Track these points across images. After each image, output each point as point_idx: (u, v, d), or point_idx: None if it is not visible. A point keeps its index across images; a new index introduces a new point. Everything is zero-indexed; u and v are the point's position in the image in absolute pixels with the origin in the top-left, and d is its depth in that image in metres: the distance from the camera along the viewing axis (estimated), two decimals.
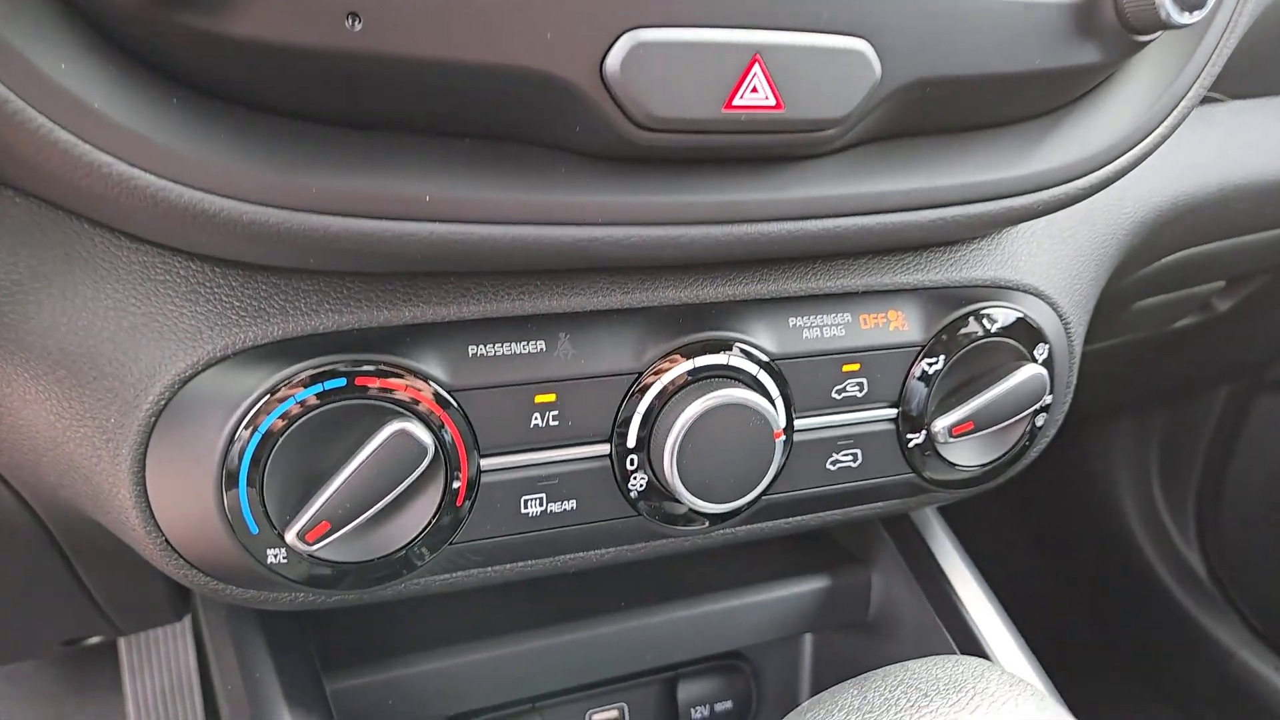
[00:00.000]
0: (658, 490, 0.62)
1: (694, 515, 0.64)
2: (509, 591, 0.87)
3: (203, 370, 0.52)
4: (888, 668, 0.53)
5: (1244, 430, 1.88)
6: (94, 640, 1.16)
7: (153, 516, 0.53)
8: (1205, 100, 0.95)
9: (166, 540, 0.54)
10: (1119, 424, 2.07)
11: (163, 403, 0.52)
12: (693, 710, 0.94)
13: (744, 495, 0.61)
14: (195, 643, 1.61)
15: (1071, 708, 0.68)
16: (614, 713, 0.93)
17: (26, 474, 0.60)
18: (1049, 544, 2.29)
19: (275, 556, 0.54)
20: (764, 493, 0.64)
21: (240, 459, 0.52)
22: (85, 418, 0.53)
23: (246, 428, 0.52)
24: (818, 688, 1.00)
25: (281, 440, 0.52)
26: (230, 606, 0.69)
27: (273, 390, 0.52)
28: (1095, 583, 2.21)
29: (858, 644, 0.95)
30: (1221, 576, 1.98)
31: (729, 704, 0.95)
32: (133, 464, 0.52)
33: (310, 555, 0.54)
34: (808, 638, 1.00)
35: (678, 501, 0.62)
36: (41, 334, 0.52)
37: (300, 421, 0.52)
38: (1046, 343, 0.71)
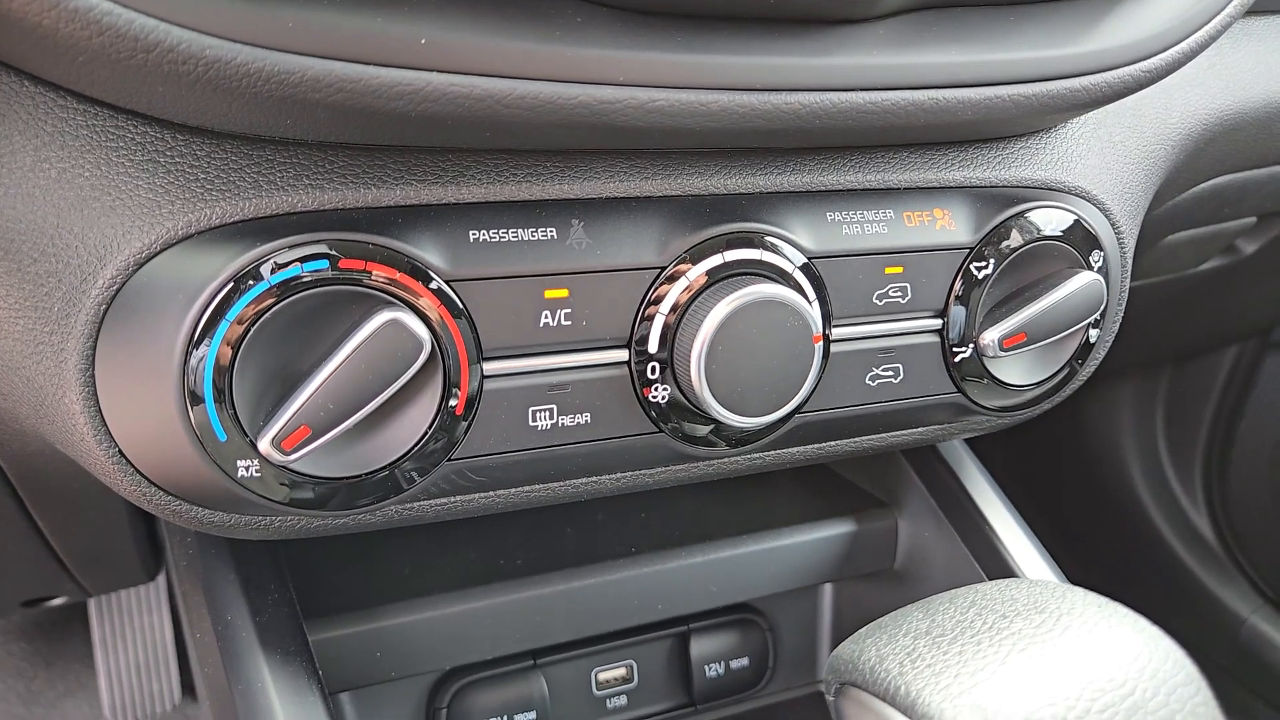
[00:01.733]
0: (682, 403, 0.55)
1: (721, 432, 0.57)
2: (508, 536, 0.80)
3: (161, 251, 0.45)
4: (953, 591, 0.47)
5: (1252, 392, 1.84)
6: (58, 601, 1.08)
7: (104, 424, 0.46)
8: (1252, 13, 0.89)
9: (120, 452, 0.47)
10: (1124, 385, 2.02)
11: (114, 288, 0.45)
12: (706, 667, 0.87)
13: (779, 408, 0.55)
14: (170, 609, 1.54)
15: None
16: (621, 670, 0.86)
17: None
18: (1053, 510, 2.24)
19: (247, 469, 0.47)
20: (799, 409, 0.57)
21: (205, 356, 0.45)
22: (25, 308, 0.46)
23: (212, 318, 0.44)
24: (838, 642, 0.93)
25: (253, 333, 0.45)
26: (202, 547, 0.62)
27: (242, 273, 0.44)
28: (1101, 547, 2.16)
29: (882, 594, 0.89)
30: (1230, 541, 1.94)
31: (745, 661, 0.89)
32: (80, 361, 0.45)
33: (287, 468, 0.47)
34: (827, 590, 0.94)
35: (704, 416, 0.55)
36: None
37: (275, 310, 0.45)
38: (1101, 249, 0.65)
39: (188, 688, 1.63)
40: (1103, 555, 2.19)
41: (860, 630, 0.44)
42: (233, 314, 0.44)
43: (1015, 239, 0.62)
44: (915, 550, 0.85)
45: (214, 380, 0.45)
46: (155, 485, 0.48)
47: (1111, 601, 0.45)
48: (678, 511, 0.85)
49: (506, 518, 0.85)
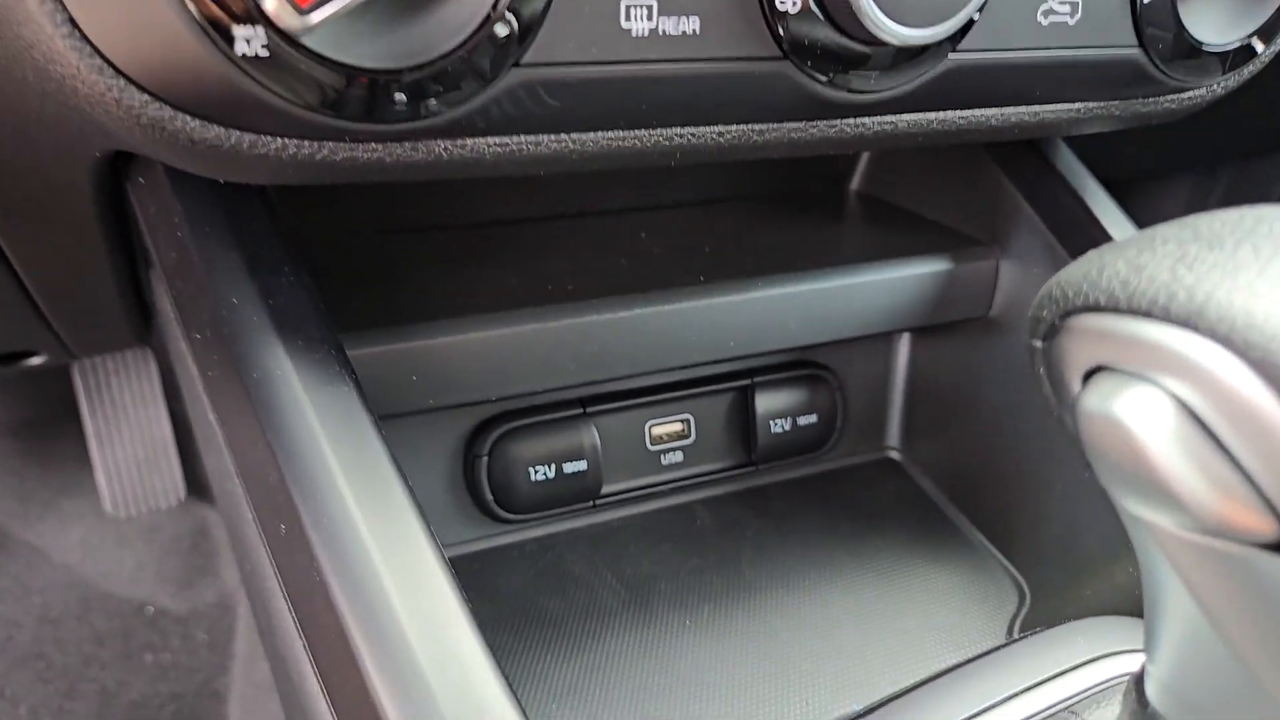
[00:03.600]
0: (817, 15, 0.42)
1: (860, 65, 0.44)
2: (557, 260, 0.69)
3: None
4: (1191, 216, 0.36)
5: None
6: (39, 360, 0.97)
7: None
8: None
9: (72, 21, 0.34)
10: (1175, 185, 1.88)
11: None
12: (771, 423, 0.78)
13: (944, 18, 0.42)
14: (166, 401, 1.45)
15: None
16: (678, 425, 0.77)
17: None
18: None
19: (249, 42, 0.34)
20: (961, 35, 0.44)
21: None
22: None
23: None
24: (911, 404, 0.84)
25: None
26: (194, 226, 0.50)
27: None
28: None
29: (967, 349, 0.78)
30: None
31: (813, 418, 0.79)
32: None
33: (302, 44, 0.34)
34: (903, 346, 0.84)
35: (843, 34, 0.42)
36: None
37: None
38: None
39: (191, 485, 1.57)
40: None
41: (1080, 259, 0.33)
42: None
43: None
44: (1018, 295, 0.74)
45: None
46: (123, 75, 0.35)
47: None
48: (741, 240, 0.74)
49: (547, 234, 0.74)
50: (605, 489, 0.74)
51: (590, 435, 0.71)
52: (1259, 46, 0.55)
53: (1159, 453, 0.28)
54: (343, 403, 0.44)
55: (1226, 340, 0.27)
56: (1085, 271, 0.31)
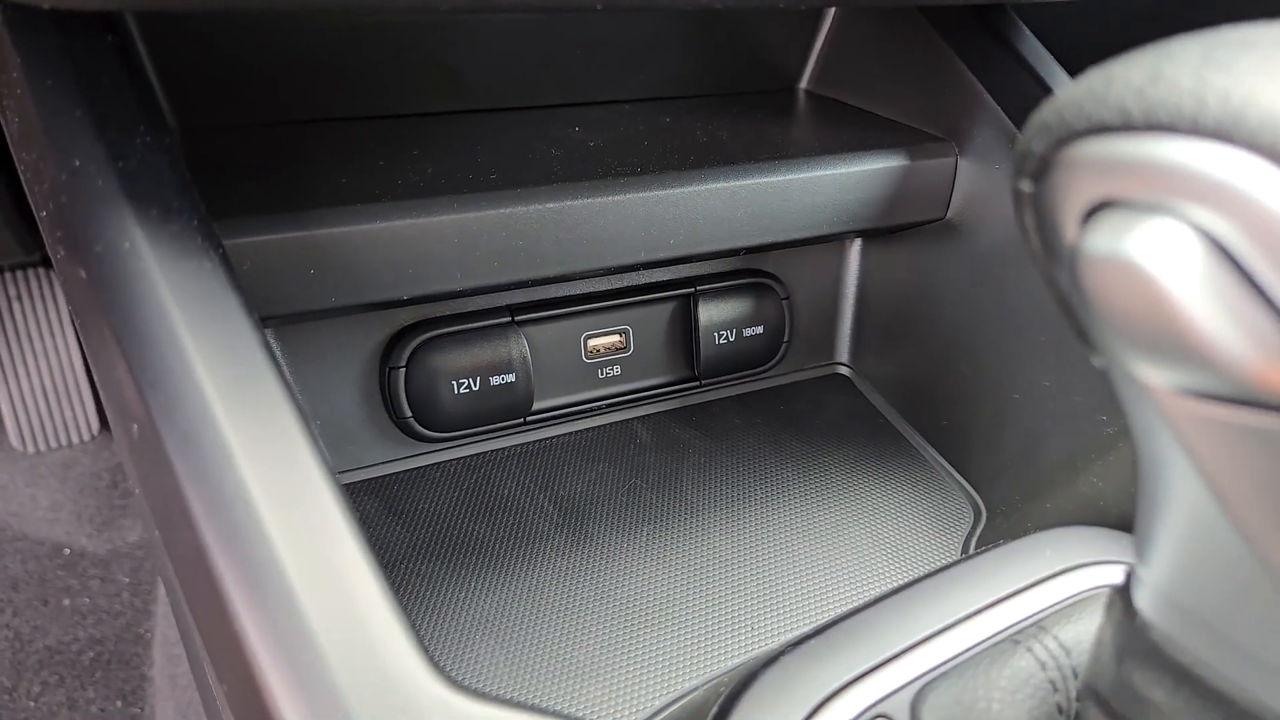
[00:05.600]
0: None
1: None
2: (476, 148, 0.62)
3: None
4: None
5: None
6: None
7: None
8: None
9: None
10: None
11: None
12: (715, 335, 0.72)
13: None
14: (76, 336, 1.35)
15: None
16: (616, 337, 0.71)
17: None
18: None
19: None
20: None
21: None
22: None
23: None
24: (861, 316, 0.79)
25: None
26: (31, 65, 0.42)
27: None
28: None
29: (922, 258, 0.73)
30: None
31: (759, 329, 0.74)
32: None
33: None
34: (853, 256, 0.78)
35: None
36: None
37: None
38: None
39: (106, 420, 1.47)
40: None
41: (1079, 77, 0.27)
42: None
43: None
44: (978, 196, 0.69)
45: None
46: None
47: None
48: (683, 135, 0.67)
49: (470, 127, 0.66)
50: (536, 405, 0.68)
51: (520, 346, 0.65)
52: None
53: (1183, 299, 0.23)
54: (203, 281, 0.37)
55: (1272, 152, 0.21)
56: (1089, 88, 0.26)
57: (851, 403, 0.78)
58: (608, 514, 0.64)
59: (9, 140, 0.45)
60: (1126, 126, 0.24)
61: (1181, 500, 0.28)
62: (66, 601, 1.45)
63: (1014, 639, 0.41)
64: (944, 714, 0.39)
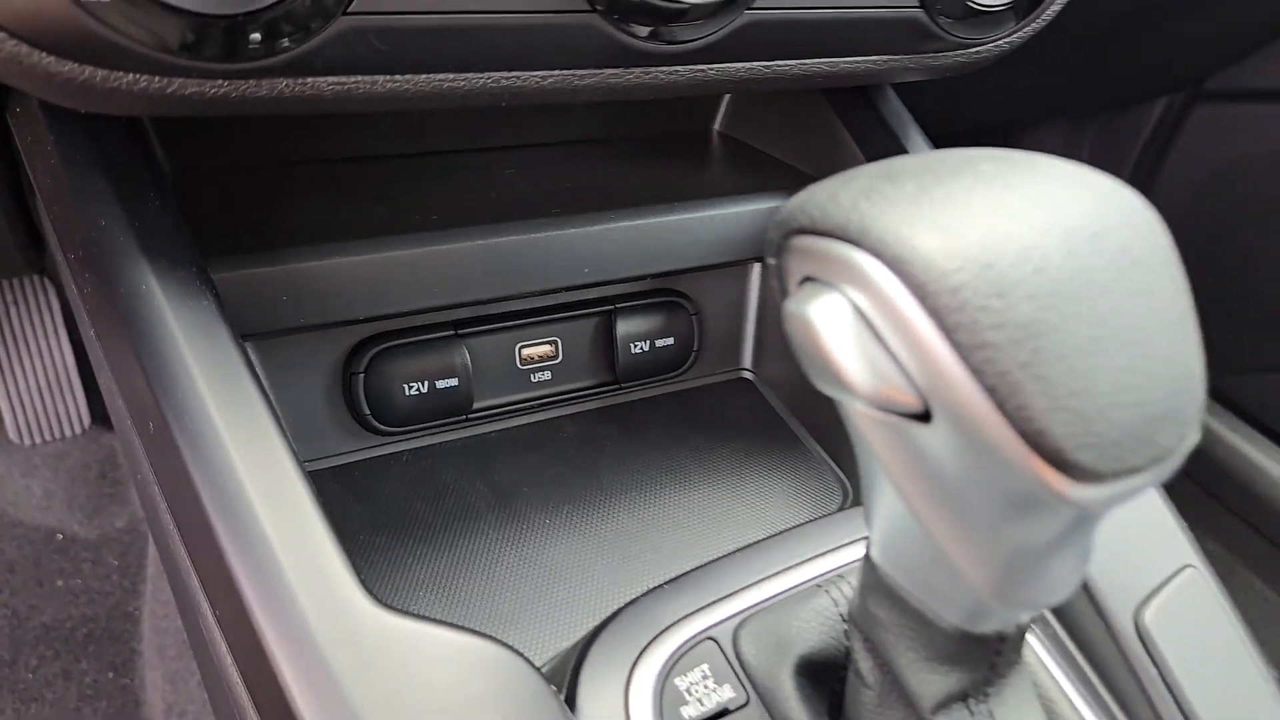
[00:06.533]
0: None
1: (662, 17, 0.51)
2: (423, 191, 0.74)
3: None
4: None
5: (1175, 143, 1.83)
6: None
7: None
8: None
9: None
10: (1052, 131, 1.99)
11: None
12: (632, 345, 0.85)
13: None
14: (69, 330, 1.46)
15: None
16: (547, 347, 0.83)
17: None
18: None
19: None
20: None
21: None
22: None
23: None
24: (761, 328, 0.92)
25: None
26: (64, 153, 0.54)
27: None
28: None
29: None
30: None
31: (670, 340, 0.87)
32: None
33: None
34: (754, 275, 0.91)
35: None
36: None
37: None
38: None
39: (96, 414, 1.59)
40: None
41: (801, 190, 0.40)
42: None
43: None
44: None
45: None
46: None
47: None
48: (605, 177, 0.80)
49: (420, 169, 0.79)
50: (476, 404, 0.80)
51: (462, 355, 0.78)
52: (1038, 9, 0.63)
53: (835, 346, 0.36)
54: (201, 315, 0.49)
55: (878, 253, 0.34)
56: (800, 201, 0.39)
57: (751, 403, 0.91)
58: (535, 496, 0.77)
59: (39, 192, 0.57)
60: (814, 231, 0.37)
61: (874, 479, 0.41)
62: (60, 583, 1.56)
63: (818, 585, 0.54)
64: (756, 637, 0.52)
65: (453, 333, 0.78)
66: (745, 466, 0.82)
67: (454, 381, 0.77)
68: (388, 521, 0.73)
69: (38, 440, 1.55)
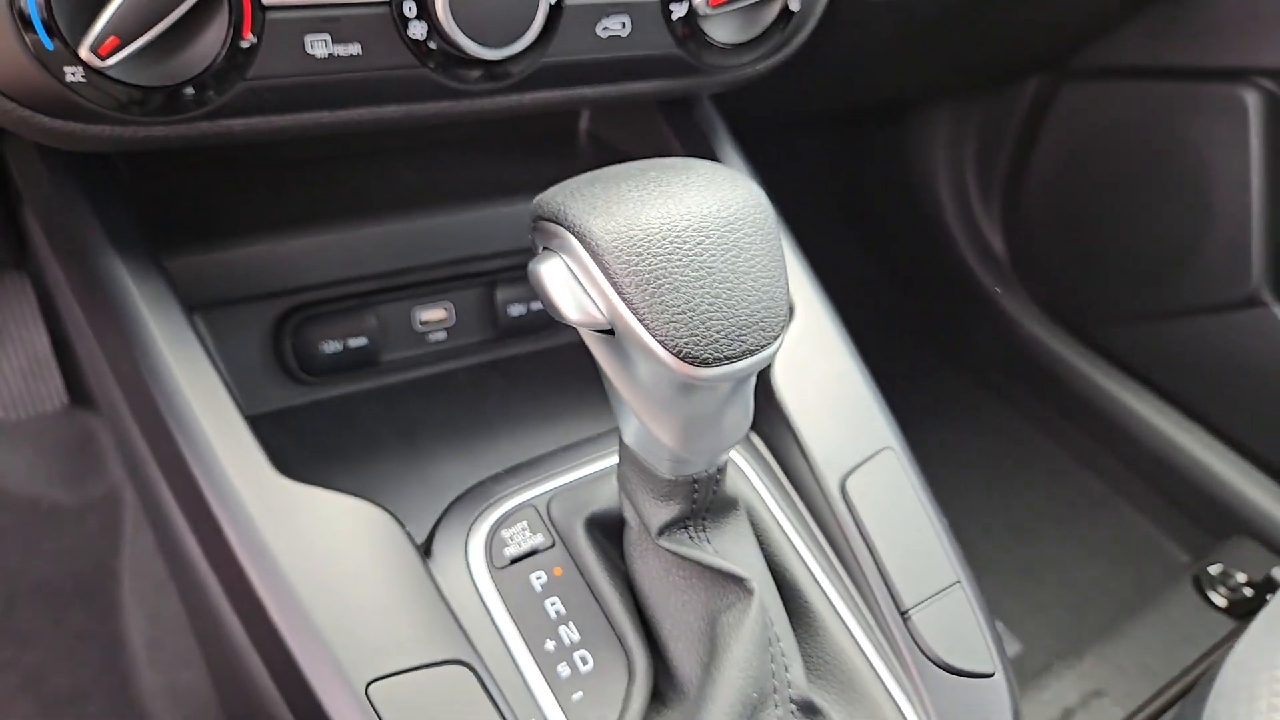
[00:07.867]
0: (438, 36, 0.68)
1: (476, 65, 0.71)
2: (330, 187, 0.95)
3: None
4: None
5: (1047, 118, 2.02)
6: None
7: None
8: None
9: None
10: (940, 113, 2.19)
11: None
12: (509, 308, 1.06)
13: (518, 39, 0.69)
14: (43, 314, 1.65)
15: (876, 375, 0.81)
16: (441, 312, 1.04)
17: None
18: (872, 232, 2.47)
19: (73, 75, 0.59)
20: (536, 47, 0.71)
21: None
22: None
23: None
24: None
25: None
26: (54, 175, 0.74)
27: None
28: (910, 266, 2.42)
29: None
30: (1016, 255, 2.19)
31: (541, 305, 1.08)
32: None
33: (106, 74, 0.59)
34: None
35: (458, 49, 0.69)
36: None
37: None
38: None
39: (74, 395, 1.77)
40: (911, 271, 2.46)
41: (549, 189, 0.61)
42: None
43: None
44: None
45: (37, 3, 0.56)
46: (3, 94, 0.60)
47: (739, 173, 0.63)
48: (485, 172, 1.01)
49: (333, 169, 0.99)
50: (384, 359, 1.01)
51: (370, 319, 0.98)
52: (784, 44, 0.84)
53: (555, 291, 0.57)
54: (171, 316, 0.70)
55: (573, 231, 0.56)
56: (540, 197, 0.60)
57: None
58: (431, 428, 0.98)
59: (33, 209, 0.77)
60: (544, 217, 0.58)
61: (609, 383, 0.62)
62: (48, 545, 1.75)
63: (609, 470, 0.75)
64: (563, 503, 0.73)
65: (362, 301, 0.99)
66: (602, 401, 1.03)
67: (364, 340, 0.98)
68: (313, 451, 0.94)
69: (20, 416, 1.73)
